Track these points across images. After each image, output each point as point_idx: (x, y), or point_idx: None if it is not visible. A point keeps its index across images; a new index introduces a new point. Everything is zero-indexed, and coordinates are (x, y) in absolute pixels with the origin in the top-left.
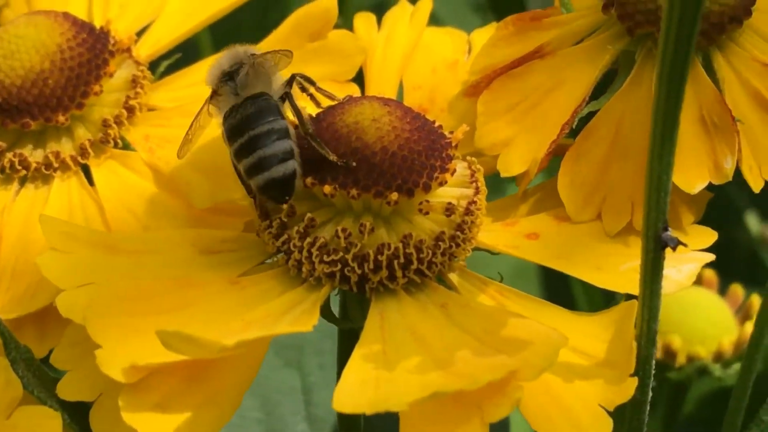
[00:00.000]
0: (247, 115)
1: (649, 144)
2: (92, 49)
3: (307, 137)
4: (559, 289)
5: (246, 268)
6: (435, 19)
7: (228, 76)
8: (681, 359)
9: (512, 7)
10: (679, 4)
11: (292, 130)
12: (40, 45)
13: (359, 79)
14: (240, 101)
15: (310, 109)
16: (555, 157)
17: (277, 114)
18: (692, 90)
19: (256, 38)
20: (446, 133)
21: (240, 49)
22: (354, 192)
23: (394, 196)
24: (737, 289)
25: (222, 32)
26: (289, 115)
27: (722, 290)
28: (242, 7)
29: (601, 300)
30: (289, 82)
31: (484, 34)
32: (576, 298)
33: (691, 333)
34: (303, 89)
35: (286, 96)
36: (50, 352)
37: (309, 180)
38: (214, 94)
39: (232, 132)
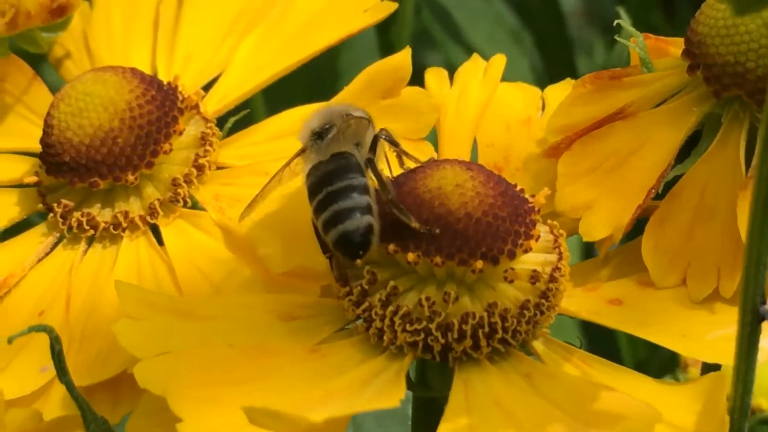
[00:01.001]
0: (328, 171)
1: (749, 216)
2: (161, 107)
3: (389, 203)
4: (601, 337)
5: (324, 335)
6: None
7: (317, 135)
8: None
9: (553, 37)
10: None
11: (371, 189)
12: (109, 102)
13: (432, 136)
14: (323, 158)
15: (395, 169)
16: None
17: (357, 172)
18: None
19: (308, 95)
20: (528, 196)
21: (334, 109)
22: (438, 260)
23: (479, 264)
24: None
25: (273, 89)
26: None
27: None
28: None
29: (645, 351)
30: (374, 145)
31: (558, 90)
32: (620, 343)
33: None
34: (391, 145)
35: (368, 161)
36: (124, 419)
37: (392, 247)
38: (302, 151)
39: (312, 189)
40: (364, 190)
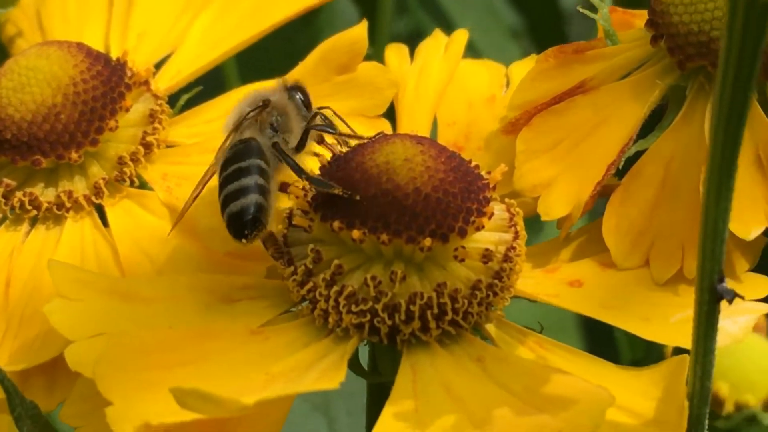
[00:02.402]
0: (226, 158)
1: (704, 189)
2: (107, 82)
3: (305, 181)
4: (601, 334)
5: (269, 318)
6: (471, 48)
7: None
8: (729, 407)
9: (551, 34)
10: (738, 40)
11: (268, 171)
12: (52, 78)
13: (390, 114)
14: (226, 147)
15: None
16: (599, 198)
17: (253, 156)
18: (748, 130)
19: (285, 66)
20: (483, 173)
21: (260, 93)
22: (384, 237)
23: (428, 241)
24: None
25: (249, 60)
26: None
27: None
28: (269, 34)
29: (644, 347)
30: (308, 123)
31: (523, 67)
32: (618, 343)
33: (740, 380)
34: (327, 127)
35: (275, 144)
36: (60, 405)
37: (336, 224)
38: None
39: (218, 176)
40: (256, 171)
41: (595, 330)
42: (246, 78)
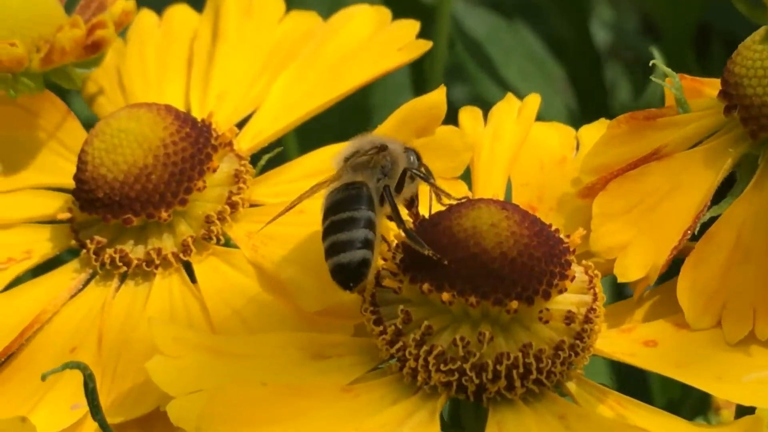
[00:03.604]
0: (336, 200)
1: None
2: (195, 144)
3: (404, 233)
4: (633, 378)
5: (358, 375)
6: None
7: (345, 161)
8: None
9: (589, 80)
10: None
11: (377, 223)
12: (143, 139)
13: (465, 175)
14: (338, 186)
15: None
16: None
17: (365, 204)
18: None
19: (339, 126)
20: (562, 236)
21: (369, 138)
22: (473, 300)
23: (514, 304)
24: None
25: (306, 129)
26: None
27: None
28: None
29: (678, 391)
30: (402, 179)
31: (592, 130)
32: (653, 393)
33: None
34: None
35: (385, 189)
36: None
37: (426, 286)
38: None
39: (323, 215)
40: (366, 223)
41: (626, 369)
42: (301, 136)
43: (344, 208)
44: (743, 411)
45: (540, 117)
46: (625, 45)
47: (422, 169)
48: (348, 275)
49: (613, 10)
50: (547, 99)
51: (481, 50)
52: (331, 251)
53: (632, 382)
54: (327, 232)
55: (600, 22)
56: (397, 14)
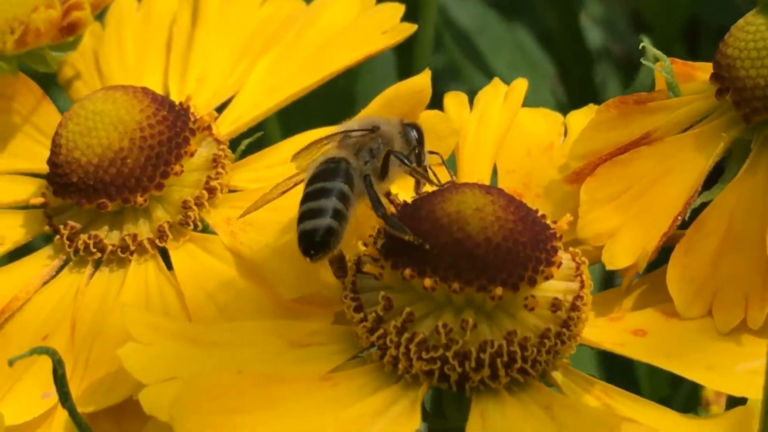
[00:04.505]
0: (314, 174)
1: None
2: (173, 127)
3: (380, 218)
4: (621, 369)
5: (337, 363)
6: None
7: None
8: None
9: (579, 74)
10: None
11: (354, 199)
12: (119, 122)
13: (450, 161)
14: (321, 160)
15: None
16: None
17: (339, 177)
18: None
19: (325, 109)
20: (549, 222)
21: (374, 119)
22: (456, 286)
23: (499, 290)
24: None
25: (289, 114)
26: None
27: None
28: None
29: (666, 383)
30: (385, 161)
31: (580, 116)
32: (639, 380)
33: None
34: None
35: (366, 176)
36: None
37: (408, 272)
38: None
39: (304, 186)
40: (338, 194)
41: (614, 365)
42: (285, 121)
43: (320, 179)
44: (734, 402)
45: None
46: (615, 41)
47: (417, 150)
48: (310, 242)
49: (603, 6)
50: (537, 92)
51: (470, 42)
52: (300, 219)
53: (620, 378)
54: (302, 202)
55: (591, 18)
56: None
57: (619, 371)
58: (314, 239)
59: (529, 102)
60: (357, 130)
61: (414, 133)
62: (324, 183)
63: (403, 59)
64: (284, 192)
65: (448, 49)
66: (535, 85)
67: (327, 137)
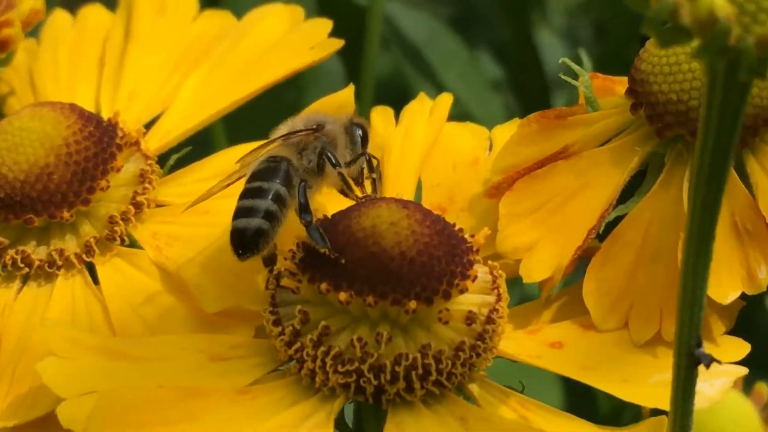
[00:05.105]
0: (255, 171)
1: (683, 256)
2: (99, 143)
3: (303, 224)
4: (580, 388)
5: (257, 376)
6: (455, 101)
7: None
8: None
9: (533, 86)
10: (718, 110)
11: (284, 197)
12: (45, 138)
13: None
14: (263, 159)
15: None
16: (579, 261)
17: (277, 178)
18: (725, 197)
19: (271, 124)
20: (467, 236)
21: (320, 117)
22: (371, 300)
23: (413, 304)
24: (762, 388)
25: (235, 118)
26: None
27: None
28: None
29: (624, 402)
30: (350, 162)
31: (506, 130)
32: (598, 399)
33: None
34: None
35: (302, 181)
36: None
37: (324, 286)
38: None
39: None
40: (274, 196)
41: (572, 385)
42: (232, 136)
43: (258, 178)
44: (657, 412)
45: (480, 122)
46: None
47: (360, 150)
48: (239, 241)
49: (566, 18)
50: (489, 105)
51: (420, 55)
52: (234, 215)
53: (578, 391)
54: (239, 197)
55: (553, 31)
56: (331, 15)
57: (576, 385)
58: (243, 239)
59: (480, 115)
60: (302, 130)
61: (359, 132)
62: (261, 182)
63: (352, 73)
64: (228, 185)
65: (398, 62)
66: (487, 98)
67: (270, 140)
